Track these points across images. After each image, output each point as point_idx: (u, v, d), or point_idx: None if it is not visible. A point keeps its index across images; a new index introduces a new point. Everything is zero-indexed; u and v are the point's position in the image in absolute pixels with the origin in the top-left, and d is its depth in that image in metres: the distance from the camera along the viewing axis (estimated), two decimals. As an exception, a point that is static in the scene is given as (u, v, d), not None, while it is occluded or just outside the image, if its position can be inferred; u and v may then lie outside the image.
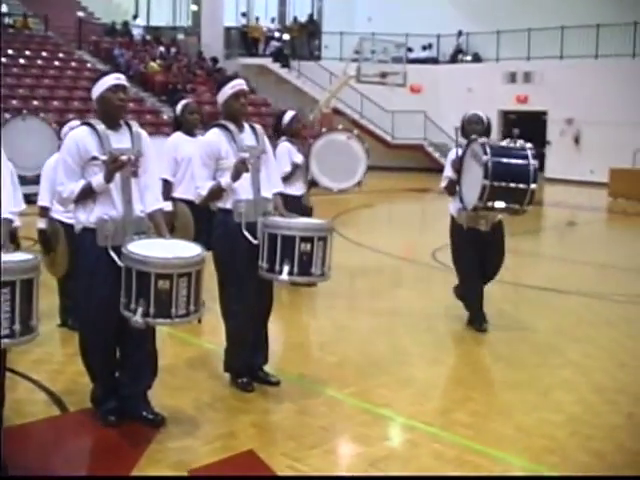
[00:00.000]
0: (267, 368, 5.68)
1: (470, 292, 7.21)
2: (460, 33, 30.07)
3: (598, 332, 7.39)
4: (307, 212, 8.55)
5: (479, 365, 6.43)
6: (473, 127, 6.91)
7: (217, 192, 5.30)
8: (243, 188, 5.31)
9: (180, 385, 5.59)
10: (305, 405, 5.25)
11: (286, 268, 5.06)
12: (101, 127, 4.70)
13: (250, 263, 5.26)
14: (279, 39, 29.97)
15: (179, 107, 7.57)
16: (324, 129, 9.74)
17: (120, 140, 4.74)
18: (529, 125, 27.24)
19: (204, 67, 27.37)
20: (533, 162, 6.36)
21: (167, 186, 7.20)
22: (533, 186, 6.31)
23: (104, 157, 4.59)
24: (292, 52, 29.87)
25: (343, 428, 4.93)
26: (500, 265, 7.17)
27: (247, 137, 5.46)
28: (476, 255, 7.00)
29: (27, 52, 24.04)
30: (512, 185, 6.29)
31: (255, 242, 5.23)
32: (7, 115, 10.29)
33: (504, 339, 6.90)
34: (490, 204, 6.33)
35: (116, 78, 4.78)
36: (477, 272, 7.11)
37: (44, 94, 21.52)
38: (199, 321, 4.54)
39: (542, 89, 26.43)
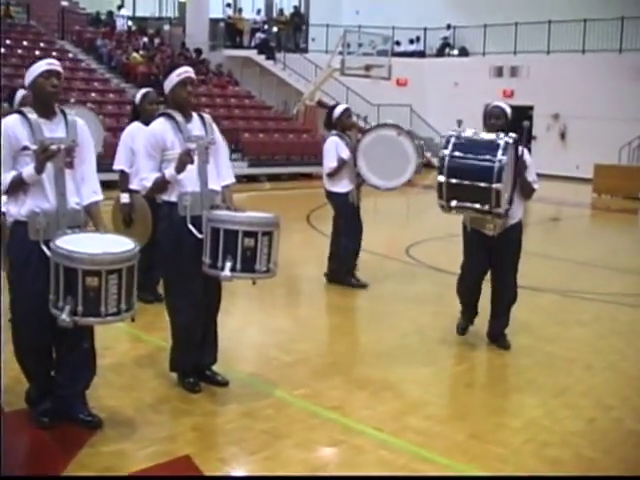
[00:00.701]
0: (216, 368, 5.44)
1: (461, 291, 6.66)
2: (449, 26, 29.88)
3: (568, 332, 7.18)
4: (353, 210, 8.37)
5: (440, 365, 6.15)
6: (493, 122, 6.26)
7: (161, 184, 5.05)
8: (189, 180, 5.07)
9: (124, 385, 5.36)
10: (251, 407, 5.01)
11: (228, 264, 4.81)
12: (33, 116, 4.48)
13: (196, 258, 5.01)
14: (265, 31, 29.66)
15: (138, 96, 7.31)
16: (370, 126, 8.89)
17: (54, 129, 4.52)
18: (515, 120, 27.07)
19: (188, 58, 27.04)
20: (501, 158, 5.61)
21: (124, 177, 6.98)
22: (496, 185, 5.58)
23: (34, 147, 4.35)
24: (278, 44, 29.56)
25: (287, 432, 4.68)
26: (507, 278, 6.48)
27: (195, 127, 5.22)
28: (481, 258, 6.41)
29: (8, 41, 23.68)
30: (469, 183, 5.69)
31: (200, 236, 4.99)
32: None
33: (469, 339, 6.64)
34: (452, 204, 5.80)
35: (48, 63, 4.56)
36: (474, 275, 6.51)
37: (23, 84, 21.11)
38: (132, 320, 4.30)
39: (528, 84, 26.25)
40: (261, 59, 28.46)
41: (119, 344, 6.17)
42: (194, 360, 5.32)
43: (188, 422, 4.75)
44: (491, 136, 5.89)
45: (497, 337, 6.49)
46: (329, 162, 8.14)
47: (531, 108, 26.10)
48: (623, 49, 24.66)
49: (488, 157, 5.70)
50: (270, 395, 5.26)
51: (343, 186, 8.20)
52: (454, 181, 5.74)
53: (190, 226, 5.01)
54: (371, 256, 9.86)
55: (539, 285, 8.73)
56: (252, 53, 28.77)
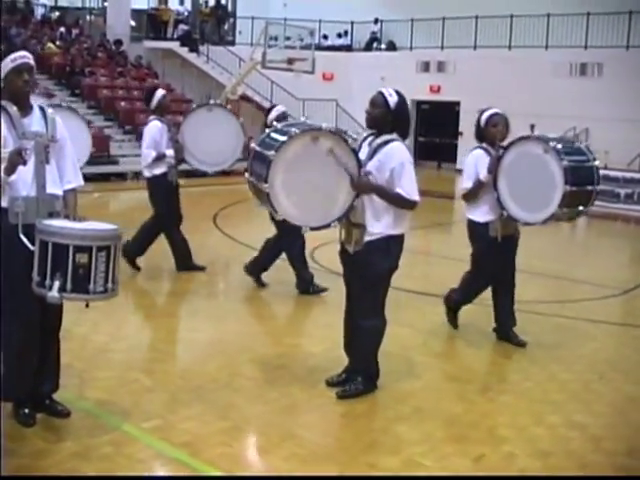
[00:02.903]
0: (64, 395, 4.79)
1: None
2: (376, 21, 29.43)
3: (468, 348, 6.67)
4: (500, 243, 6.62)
5: (318, 390, 5.43)
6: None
7: (-10, 187, 4.39)
8: (23, 183, 4.42)
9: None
10: (88, 445, 4.35)
11: (57, 283, 4.13)
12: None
13: (30, 273, 4.34)
14: (188, 22, 28.85)
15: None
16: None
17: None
18: (442, 115, 26.81)
19: (107, 49, 26.15)
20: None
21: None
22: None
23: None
24: (201, 36, 28.78)
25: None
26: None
27: (34, 122, 4.56)
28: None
29: None
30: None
31: (33, 248, 4.33)
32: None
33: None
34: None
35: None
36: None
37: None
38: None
39: (455, 79, 25.88)
40: (184, 51, 27.62)
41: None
42: (29, 388, 4.65)
43: (12, 464, 4.08)
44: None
45: None
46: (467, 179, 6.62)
47: (458, 104, 25.78)
48: (549, 45, 24.44)
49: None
50: (115, 429, 4.62)
51: (482, 213, 6.64)
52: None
53: (22, 236, 4.35)
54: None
55: (440, 291, 8.11)
56: (174, 45, 27.92)
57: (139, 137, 20.96)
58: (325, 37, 29.60)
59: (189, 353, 6.15)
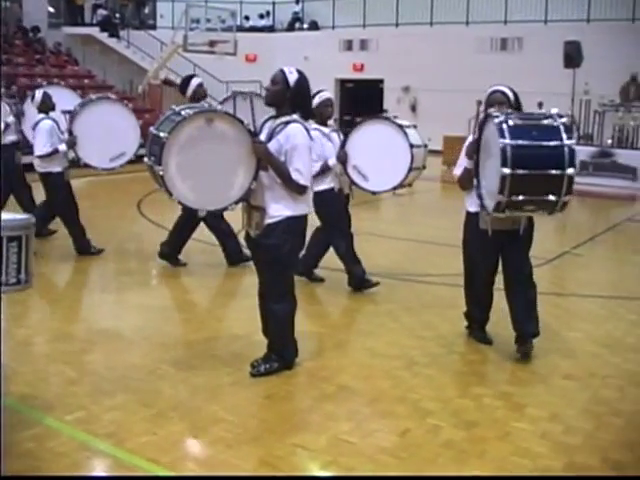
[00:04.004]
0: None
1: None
2: (298, 1, 29.30)
3: (393, 323, 6.71)
4: None
5: (242, 374, 5.37)
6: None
7: None
8: None
9: None
10: (10, 442, 4.21)
11: (-35, 276, 4.08)
12: None
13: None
14: (107, 7, 28.32)
15: None
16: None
17: None
18: (366, 93, 26.84)
19: (24, 37, 25.54)
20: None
21: None
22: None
23: None
24: (122, 21, 28.30)
25: (47, 471, 3.96)
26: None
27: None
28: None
29: None
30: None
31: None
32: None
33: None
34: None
35: None
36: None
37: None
38: None
39: (378, 57, 26.00)
40: (103, 37, 27.13)
41: None
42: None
43: None
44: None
45: None
46: None
47: (381, 81, 25.89)
48: (469, 21, 24.65)
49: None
50: (37, 423, 4.53)
51: None
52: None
53: None
54: (199, 245, 9.18)
55: (369, 270, 8.16)
56: (94, 30, 27.39)
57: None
58: (247, 18, 29.38)
59: (113, 342, 6.05)
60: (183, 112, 5.17)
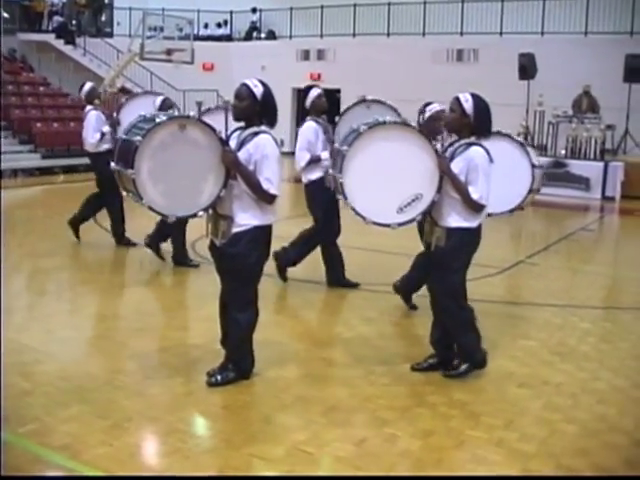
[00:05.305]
0: None
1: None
2: (254, 10, 29.32)
3: (350, 332, 6.73)
4: None
5: (198, 384, 5.35)
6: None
7: None
8: None
9: None
10: (-39, 455, 4.22)
11: None
12: None
13: None
14: (63, 14, 28.08)
15: None
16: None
17: None
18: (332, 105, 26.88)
19: (-24, 43, 25.27)
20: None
21: None
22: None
23: None
24: (78, 28, 28.08)
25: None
26: None
27: None
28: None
29: None
30: None
31: None
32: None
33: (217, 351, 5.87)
34: None
35: None
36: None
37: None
38: None
39: (335, 67, 26.12)
40: (59, 44, 26.91)
41: None
42: None
43: None
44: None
45: None
46: None
47: (338, 91, 25.94)
48: (426, 33, 24.86)
49: None
50: (-10, 436, 4.48)
51: None
52: None
53: None
54: (147, 255, 9.14)
55: (321, 278, 8.24)
56: (50, 37, 27.17)
57: (15, 133, 20.40)
58: (205, 26, 29.36)
59: (69, 353, 6.01)
60: (157, 118, 5.15)
